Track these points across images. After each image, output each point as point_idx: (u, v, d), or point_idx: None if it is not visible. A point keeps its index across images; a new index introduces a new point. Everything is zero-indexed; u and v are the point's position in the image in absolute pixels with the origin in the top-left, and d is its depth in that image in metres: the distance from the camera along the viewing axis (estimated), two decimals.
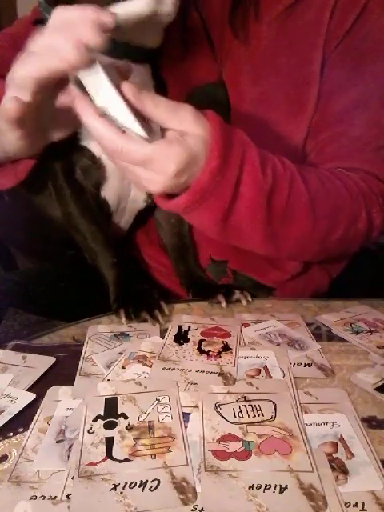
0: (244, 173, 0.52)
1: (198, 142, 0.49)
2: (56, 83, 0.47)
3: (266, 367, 0.51)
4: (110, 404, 0.44)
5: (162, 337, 0.57)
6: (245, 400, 0.45)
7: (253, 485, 0.35)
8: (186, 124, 0.48)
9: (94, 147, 0.63)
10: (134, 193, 0.71)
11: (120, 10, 0.47)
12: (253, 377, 0.49)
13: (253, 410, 0.43)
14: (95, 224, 0.67)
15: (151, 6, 0.48)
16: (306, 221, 0.58)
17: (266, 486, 0.35)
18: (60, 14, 0.44)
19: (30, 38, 0.45)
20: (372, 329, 0.60)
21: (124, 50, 0.54)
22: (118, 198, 0.71)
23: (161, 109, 0.47)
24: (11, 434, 0.41)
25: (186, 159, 0.48)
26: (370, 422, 0.43)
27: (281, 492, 0.35)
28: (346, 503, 0.34)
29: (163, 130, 0.48)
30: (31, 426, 0.42)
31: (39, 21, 0.52)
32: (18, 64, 0.45)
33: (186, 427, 0.41)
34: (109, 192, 0.69)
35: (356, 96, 0.64)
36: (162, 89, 0.62)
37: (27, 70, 0.44)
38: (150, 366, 0.50)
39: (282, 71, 0.64)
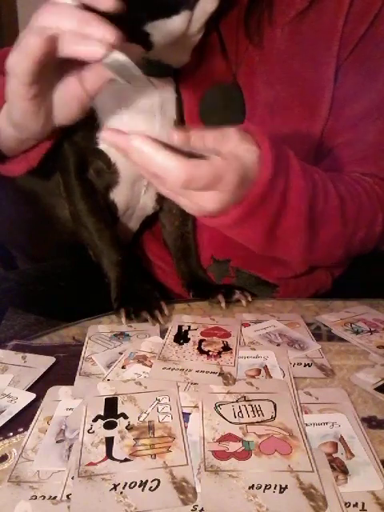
0: (290, 180, 0.53)
1: (250, 154, 0.49)
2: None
3: (265, 367, 0.51)
4: (110, 404, 0.44)
5: (162, 337, 0.57)
6: (245, 400, 0.45)
7: (253, 485, 0.35)
8: (236, 142, 0.48)
9: (110, 152, 0.64)
10: (143, 201, 0.72)
11: (155, 30, 0.48)
12: (253, 377, 0.49)
13: (253, 410, 0.43)
14: (103, 222, 0.67)
15: (185, 27, 0.50)
16: (336, 225, 0.60)
17: (266, 486, 0.35)
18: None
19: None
20: (372, 329, 0.60)
21: (155, 67, 0.56)
22: (126, 204, 0.72)
23: (208, 139, 0.47)
24: (11, 433, 0.41)
25: (244, 172, 0.48)
26: (370, 422, 0.43)
27: (281, 492, 0.35)
28: (346, 503, 0.34)
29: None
30: (31, 426, 0.42)
31: None
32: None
33: (185, 427, 0.41)
34: (118, 196, 0.70)
35: (370, 102, 0.64)
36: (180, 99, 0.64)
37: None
38: (150, 366, 0.50)
39: (295, 75, 0.64)
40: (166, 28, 0.49)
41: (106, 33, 0.41)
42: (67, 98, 0.50)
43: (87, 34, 0.42)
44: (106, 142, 0.47)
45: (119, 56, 0.43)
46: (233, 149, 0.48)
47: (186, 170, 0.45)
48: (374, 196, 0.64)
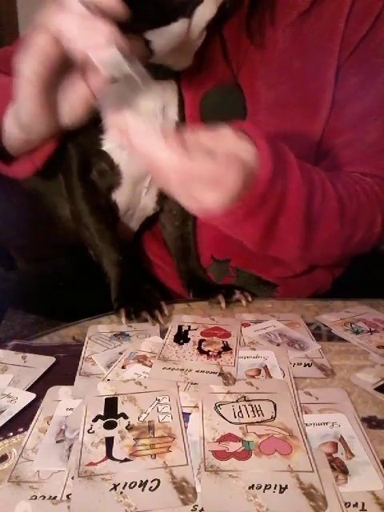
0: (288, 179, 0.53)
1: (249, 155, 0.49)
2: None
3: (265, 367, 0.51)
4: (110, 404, 0.44)
5: (162, 337, 0.57)
6: (245, 400, 0.45)
7: (253, 485, 0.35)
8: (232, 141, 0.48)
9: (114, 154, 0.64)
10: (144, 201, 0.73)
11: (154, 37, 0.48)
12: (253, 377, 0.49)
13: (253, 410, 0.43)
14: (104, 223, 0.68)
15: (184, 33, 0.50)
16: (334, 225, 0.60)
17: (266, 486, 0.35)
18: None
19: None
20: (372, 329, 0.60)
21: (156, 70, 0.56)
22: (127, 205, 0.72)
23: (204, 138, 0.47)
24: (11, 433, 0.42)
25: (245, 172, 0.48)
26: (370, 422, 0.43)
27: (281, 492, 0.35)
28: (346, 503, 0.34)
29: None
30: (31, 426, 0.42)
31: None
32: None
33: (185, 427, 0.41)
34: (120, 197, 0.70)
35: (370, 103, 0.64)
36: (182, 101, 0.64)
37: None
38: (150, 366, 0.50)
39: (296, 76, 0.64)
40: (165, 35, 0.50)
41: (109, 30, 0.42)
42: (73, 99, 0.51)
43: (90, 30, 0.42)
44: (111, 133, 0.47)
45: (116, 55, 0.43)
46: (230, 149, 0.48)
47: (186, 164, 0.45)
48: (374, 196, 0.64)
